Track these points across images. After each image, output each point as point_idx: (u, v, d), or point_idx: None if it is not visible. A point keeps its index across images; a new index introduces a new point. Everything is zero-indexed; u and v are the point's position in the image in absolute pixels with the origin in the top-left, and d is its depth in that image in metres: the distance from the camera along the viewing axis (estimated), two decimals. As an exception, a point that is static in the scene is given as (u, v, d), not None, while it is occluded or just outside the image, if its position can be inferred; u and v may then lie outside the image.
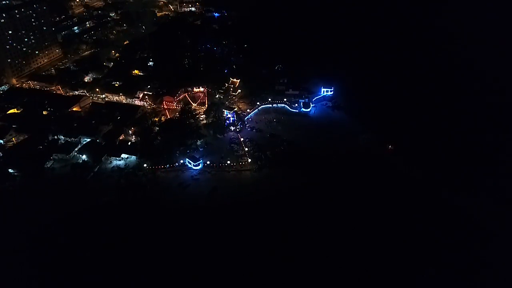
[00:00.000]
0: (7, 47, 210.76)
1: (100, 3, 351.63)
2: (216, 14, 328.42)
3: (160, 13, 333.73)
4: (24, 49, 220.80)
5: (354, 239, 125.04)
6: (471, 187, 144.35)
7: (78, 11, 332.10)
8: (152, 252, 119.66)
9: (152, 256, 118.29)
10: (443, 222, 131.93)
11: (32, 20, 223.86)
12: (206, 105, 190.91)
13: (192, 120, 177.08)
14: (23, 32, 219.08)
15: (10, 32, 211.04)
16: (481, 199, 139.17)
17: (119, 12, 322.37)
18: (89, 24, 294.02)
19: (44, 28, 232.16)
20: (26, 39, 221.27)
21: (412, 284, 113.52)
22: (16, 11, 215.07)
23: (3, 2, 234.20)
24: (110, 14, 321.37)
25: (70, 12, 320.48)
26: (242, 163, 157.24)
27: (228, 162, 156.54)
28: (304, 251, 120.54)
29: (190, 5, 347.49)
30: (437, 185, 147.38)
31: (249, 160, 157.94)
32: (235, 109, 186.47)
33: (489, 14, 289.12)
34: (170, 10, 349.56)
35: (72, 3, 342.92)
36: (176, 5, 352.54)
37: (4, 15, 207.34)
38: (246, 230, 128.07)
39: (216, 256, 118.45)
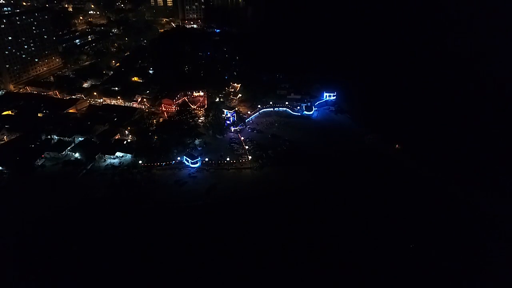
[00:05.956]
0: (6, 52, 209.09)
1: (103, 21, 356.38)
2: (217, 30, 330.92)
3: (162, 30, 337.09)
4: (24, 56, 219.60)
5: (359, 236, 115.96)
6: (482, 183, 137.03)
7: (81, 28, 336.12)
8: (144, 250, 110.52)
9: (145, 253, 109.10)
10: (452, 217, 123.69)
11: (33, 28, 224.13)
12: (206, 107, 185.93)
13: (190, 120, 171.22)
14: (23, 39, 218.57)
15: (10, 38, 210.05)
16: (492, 195, 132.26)
17: (121, 28, 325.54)
18: (90, 37, 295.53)
19: (45, 36, 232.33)
20: (26, 46, 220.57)
21: (423, 280, 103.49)
22: (17, 18, 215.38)
23: (5, 12, 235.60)
24: (113, 30, 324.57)
25: (73, 28, 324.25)
26: (242, 160, 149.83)
27: (228, 159, 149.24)
28: (307, 251, 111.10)
29: (192, 22, 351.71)
30: (446, 181, 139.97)
31: (250, 158, 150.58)
32: (236, 108, 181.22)
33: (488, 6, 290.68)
34: (172, 27, 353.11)
35: (76, 21, 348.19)
36: (178, 22, 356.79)
37: (4, 20, 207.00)
38: (245, 228, 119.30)
39: (212, 255, 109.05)
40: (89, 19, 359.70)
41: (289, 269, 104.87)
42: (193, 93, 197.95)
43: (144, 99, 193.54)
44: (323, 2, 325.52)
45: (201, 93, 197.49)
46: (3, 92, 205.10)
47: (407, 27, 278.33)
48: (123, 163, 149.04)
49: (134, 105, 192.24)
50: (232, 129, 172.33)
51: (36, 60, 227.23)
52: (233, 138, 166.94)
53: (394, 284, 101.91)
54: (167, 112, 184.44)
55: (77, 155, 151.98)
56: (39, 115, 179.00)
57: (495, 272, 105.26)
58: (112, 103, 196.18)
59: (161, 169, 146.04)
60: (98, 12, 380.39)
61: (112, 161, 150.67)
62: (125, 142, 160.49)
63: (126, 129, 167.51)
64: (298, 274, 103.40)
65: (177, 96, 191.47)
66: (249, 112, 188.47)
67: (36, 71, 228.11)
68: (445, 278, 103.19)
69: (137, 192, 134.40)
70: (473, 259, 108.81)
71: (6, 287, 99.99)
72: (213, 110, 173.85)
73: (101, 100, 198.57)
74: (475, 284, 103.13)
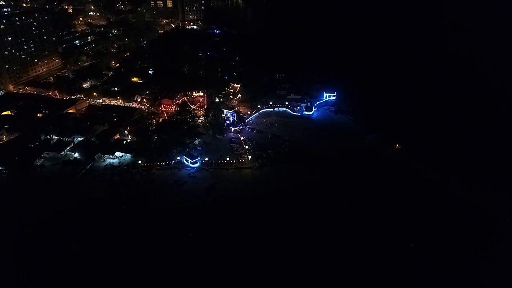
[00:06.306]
0: (6, 53, 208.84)
1: (103, 22, 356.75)
2: (217, 31, 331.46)
3: (162, 31, 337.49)
4: (23, 56, 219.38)
5: (359, 236, 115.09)
6: (482, 183, 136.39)
7: (81, 29, 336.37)
8: (144, 250, 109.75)
9: (145, 253, 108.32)
10: (452, 217, 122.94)
11: (33, 28, 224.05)
12: (206, 107, 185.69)
13: (190, 120, 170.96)
14: (23, 39, 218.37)
15: (9, 38, 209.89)
16: (492, 195, 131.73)
17: (121, 29, 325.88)
18: (90, 38, 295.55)
19: (45, 37, 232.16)
20: (25, 47, 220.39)
21: (423, 279, 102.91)
22: (17, 19, 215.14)
23: (5, 13, 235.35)
24: (112, 31, 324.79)
25: (73, 29, 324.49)
26: (242, 160, 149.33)
27: (227, 159, 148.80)
28: (307, 250, 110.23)
29: (192, 23, 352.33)
30: (446, 181, 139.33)
31: (249, 157, 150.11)
32: (236, 108, 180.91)
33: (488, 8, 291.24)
34: (172, 28, 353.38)
35: (76, 22, 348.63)
36: (178, 23, 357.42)
37: (4, 21, 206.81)
38: (245, 228, 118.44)
39: (212, 255, 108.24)
40: (89, 20, 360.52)
41: (289, 269, 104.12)
42: (193, 93, 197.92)
43: (144, 99, 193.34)
44: (323, 2, 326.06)
45: (201, 94, 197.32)
46: (3, 93, 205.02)
47: (407, 27, 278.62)
48: (122, 163, 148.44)
49: (134, 105, 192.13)
50: (232, 129, 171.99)
51: (36, 60, 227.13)
52: (233, 138, 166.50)
53: (394, 284, 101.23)
54: (167, 112, 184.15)
55: (76, 155, 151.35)
56: (38, 115, 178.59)
57: (496, 272, 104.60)
58: (112, 103, 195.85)
59: (160, 169, 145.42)
60: (98, 14, 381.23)
61: (112, 161, 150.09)
62: (124, 142, 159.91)
63: (126, 129, 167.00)
64: (298, 273, 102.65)
65: (177, 97, 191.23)
66: (249, 112, 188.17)
67: (36, 72, 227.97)
68: (445, 278, 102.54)
69: (137, 192, 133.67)
70: (474, 259, 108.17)
71: (5, 287, 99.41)
72: (213, 110, 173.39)
73: (101, 100, 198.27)
74: (475, 284, 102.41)
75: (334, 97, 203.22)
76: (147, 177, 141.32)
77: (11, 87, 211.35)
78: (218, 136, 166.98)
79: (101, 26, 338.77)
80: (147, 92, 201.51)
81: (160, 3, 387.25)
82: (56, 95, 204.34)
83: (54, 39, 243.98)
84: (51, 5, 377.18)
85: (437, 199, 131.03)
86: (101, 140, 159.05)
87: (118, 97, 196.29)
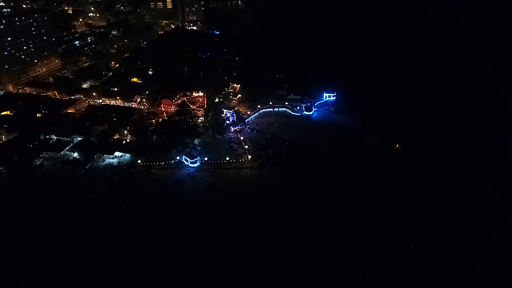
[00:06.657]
0: (5, 53, 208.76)
1: (103, 23, 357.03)
2: (217, 32, 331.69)
3: (162, 32, 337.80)
4: (23, 56, 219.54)
5: (360, 236, 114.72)
6: (482, 182, 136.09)
7: (81, 29, 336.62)
8: (144, 249, 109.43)
9: (144, 253, 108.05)
10: (452, 216, 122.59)
11: (33, 29, 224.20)
12: (205, 107, 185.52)
13: (189, 120, 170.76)
14: (23, 40, 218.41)
15: (9, 39, 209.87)
16: (492, 194, 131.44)
17: (121, 30, 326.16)
18: (90, 39, 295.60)
19: (44, 38, 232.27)
20: (25, 47, 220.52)
21: (423, 279, 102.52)
22: (17, 19, 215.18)
23: (5, 13, 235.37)
24: (112, 32, 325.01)
25: (73, 30, 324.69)
26: (241, 160, 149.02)
27: (227, 159, 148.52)
28: (307, 250, 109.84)
29: (191, 24, 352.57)
30: (446, 181, 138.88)
31: (249, 157, 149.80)
32: (235, 108, 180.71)
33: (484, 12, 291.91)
34: (171, 29, 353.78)
35: (76, 23, 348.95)
36: (178, 24, 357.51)
37: (4, 21, 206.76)
38: (245, 228, 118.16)
39: (212, 255, 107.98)
40: (89, 21, 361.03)
41: (289, 268, 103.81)
42: (192, 93, 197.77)
43: (144, 100, 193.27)
44: (322, 3, 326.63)
45: (201, 94, 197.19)
46: (2, 93, 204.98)
47: (407, 27, 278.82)
48: (122, 162, 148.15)
49: (133, 105, 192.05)
50: (232, 129, 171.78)
51: (35, 61, 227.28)
52: (233, 138, 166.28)
53: (394, 283, 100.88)
54: (167, 112, 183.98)
55: (75, 154, 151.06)
56: (38, 115, 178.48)
57: (495, 271, 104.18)
58: (111, 104, 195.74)
59: (160, 169, 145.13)
60: (97, 15, 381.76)
61: (111, 160, 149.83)
62: (124, 142, 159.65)
63: (125, 129, 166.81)
64: (298, 273, 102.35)
65: (176, 97, 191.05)
66: (248, 112, 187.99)
67: (35, 72, 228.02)
68: (445, 278, 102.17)
69: (136, 191, 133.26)
70: (473, 258, 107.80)
71: (4, 286, 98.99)
72: (213, 110, 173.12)
73: (100, 100, 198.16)
74: (475, 284, 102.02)
75: (334, 97, 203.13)
76: (147, 176, 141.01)
77: (10, 87, 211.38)
78: (217, 136, 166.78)
79: (101, 27, 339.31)
80: (147, 92, 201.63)
81: (160, 4, 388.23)
82: (55, 95, 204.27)
83: (53, 39, 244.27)
84: (51, 6, 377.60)
85: (437, 199, 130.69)
86: (101, 140, 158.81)
87: (118, 97, 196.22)
